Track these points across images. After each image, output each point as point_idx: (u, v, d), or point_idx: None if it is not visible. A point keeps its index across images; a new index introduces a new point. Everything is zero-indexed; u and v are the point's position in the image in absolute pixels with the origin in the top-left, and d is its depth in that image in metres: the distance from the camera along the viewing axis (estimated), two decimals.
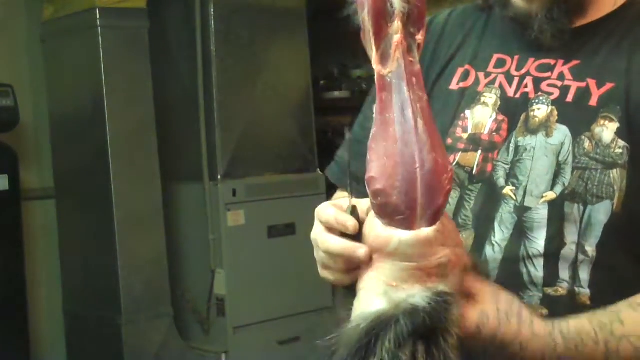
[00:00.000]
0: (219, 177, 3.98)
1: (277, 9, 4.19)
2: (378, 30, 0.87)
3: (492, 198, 1.13)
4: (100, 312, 3.95)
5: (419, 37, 0.88)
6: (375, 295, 0.87)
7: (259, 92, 4.12)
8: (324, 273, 1.00)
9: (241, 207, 4.01)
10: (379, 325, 0.85)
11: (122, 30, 3.86)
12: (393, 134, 0.86)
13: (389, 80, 0.87)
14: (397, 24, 0.87)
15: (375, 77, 0.88)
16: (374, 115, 0.89)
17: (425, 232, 0.86)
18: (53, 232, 4.17)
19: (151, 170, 3.92)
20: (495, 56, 1.21)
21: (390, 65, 0.87)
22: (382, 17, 0.87)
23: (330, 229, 0.96)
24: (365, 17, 0.88)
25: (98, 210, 3.90)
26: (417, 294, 0.85)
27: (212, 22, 3.97)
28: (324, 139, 4.61)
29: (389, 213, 0.86)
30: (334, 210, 0.96)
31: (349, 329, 0.87)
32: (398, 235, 0.87)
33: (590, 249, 1.07)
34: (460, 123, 1.18)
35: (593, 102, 1.11)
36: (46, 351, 4.17)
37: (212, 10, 3.96)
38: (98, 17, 3.78)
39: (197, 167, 4.06)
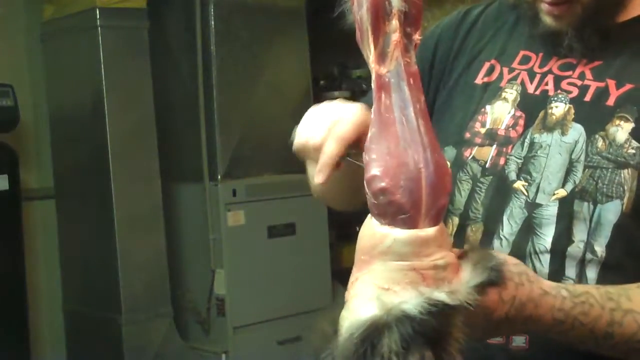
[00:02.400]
0: (219, 177, 3.98)
1: (276, 9, 4.19)
2: (376, 28, 0.86)
3: (502, 191, 1.14)
4: (100, 311, 3.95)
5: (416, 37, 0.87)
6: (367, 300, 0.82)
7: (259, 92, 4.12)
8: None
9: (241, 207, 4.01)
10: (373, 333, 0.80)
11: (122, 30, 3.87)
12: (395, 134, 0.85)
13: (387, 79, 0.86)
14: (394, 23, 0.86)
15: (373, 76, 0.87)
16: (372, 116, 0.87)
17: (425, 231, 0.84)
18: (53, 232, 4.17)
19: (151, 170, 3.92)
20: (522, 52, 1.21)
21: (389, 65, 0.86)
22: (381, 15, 0.86)
23: None
24: (362, 16, 0.87)
25: (98, 210, 3.90)
26: (410, 299, 0.80)
27: (212, 22, 3.97)
28: None
29: (391, 212, 0.84)
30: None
31: (343, 340, 0.82)
32: (394, 233, 0.84)
33: (600, 249, 1.07)
34: (479, 118, 1.19)
35: (610, 102, 1.11)
36: (46, 351, 4.17)
37: (212, 10, 3.96)
38: (98, 17, 3.79)
39: (197, 167, 4.05)
